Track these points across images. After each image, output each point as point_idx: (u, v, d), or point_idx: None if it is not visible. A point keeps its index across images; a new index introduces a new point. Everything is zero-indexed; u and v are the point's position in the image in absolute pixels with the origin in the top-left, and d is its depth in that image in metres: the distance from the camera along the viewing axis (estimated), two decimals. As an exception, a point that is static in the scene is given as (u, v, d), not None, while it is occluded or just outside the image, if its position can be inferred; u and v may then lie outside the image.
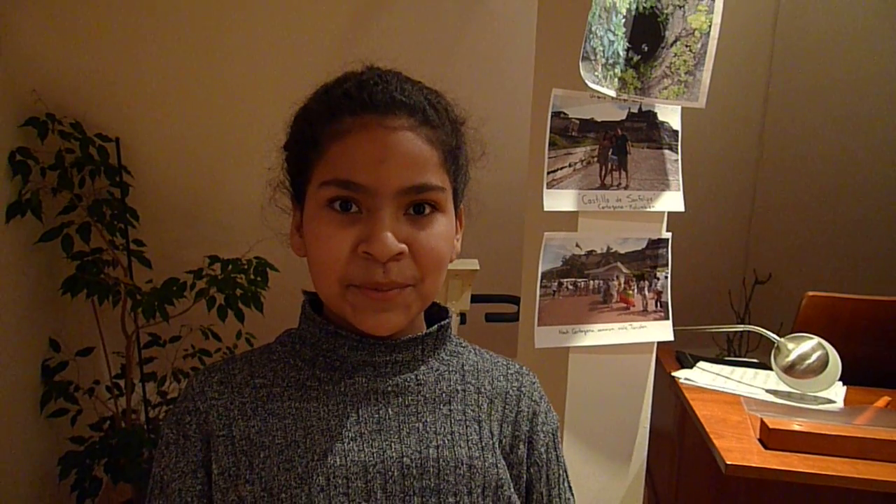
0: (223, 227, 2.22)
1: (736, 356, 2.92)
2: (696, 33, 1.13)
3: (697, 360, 1.53)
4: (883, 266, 2.66)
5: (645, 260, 1.19)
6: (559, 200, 1.10)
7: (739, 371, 1.43)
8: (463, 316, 2.34)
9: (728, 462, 0.95)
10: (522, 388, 0.66)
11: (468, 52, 2.18)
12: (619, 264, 1.17)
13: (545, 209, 1.08)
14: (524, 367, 0.69)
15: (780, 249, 3.17)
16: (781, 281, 3.15)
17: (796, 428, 1.01)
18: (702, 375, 1.39)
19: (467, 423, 0.61)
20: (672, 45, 1.13)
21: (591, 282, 1.15)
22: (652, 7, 1.12)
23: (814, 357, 1.23)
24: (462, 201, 0.66)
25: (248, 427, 0.58)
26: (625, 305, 1.18)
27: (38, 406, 1.95)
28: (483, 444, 0.61)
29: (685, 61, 1.14)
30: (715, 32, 1.13)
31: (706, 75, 1.15)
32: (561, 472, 0.67)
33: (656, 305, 1.20)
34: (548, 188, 1.09)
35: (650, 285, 1.20)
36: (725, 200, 3.11)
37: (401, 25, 2.05)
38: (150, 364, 2.18)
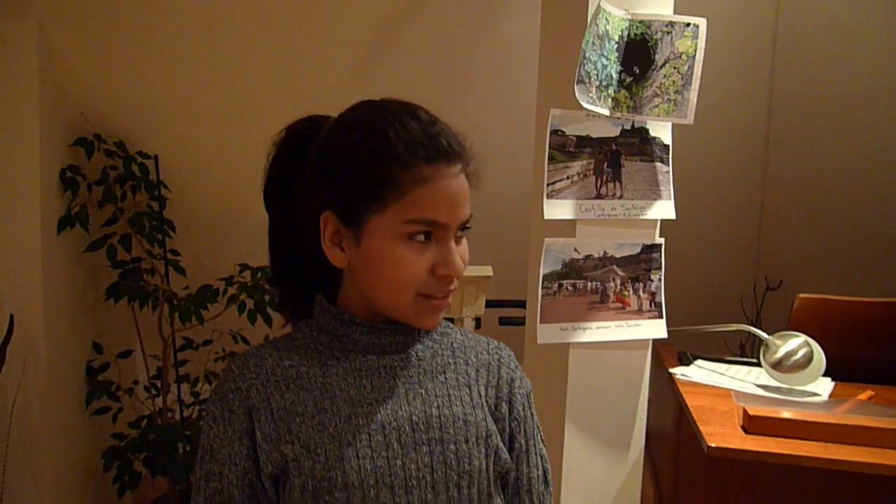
0: (252, 237, 2.35)
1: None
2: (683, 56, 1.24)
3: (696, 359, 1.62)
4: (890, 270, 2.72)
5: (639, 263, 1.30)
6: (558, 209, 1.21)
7: (734, 368, 1.52)
8: (478, 320, 2.46)
9: (710, 444, 1.05)
10: (501, 360, 0.80)
11: (479, 73, 2.30)
12: (615, 267, 1.28)
13: (545, 217, 1.19)
14: (501, 343, 0.83)
15: (790, 257, 3.24)
16: (792, 287, 3.21)
17: (774, 415, 1.10)
18: (698, 372, 1.48)
19: (460, 387, 0.75)
20: (661, 67, 1.25)
21: (590, 283, 1.26)
22: (642, 33, 1.24)
23: (800, 353, 1.32)
24: None
25: (283, 399, 0.70)
26: (621, 305, 1.28)
27: (83, 404, 2.10)
28: (474, 403, 0.74)
29: (674, 82, 1.25)
30: (700, 56, 1.24)
31: (693, 94, 1.26)
32: (535, 426, 0.80)
33: (650, 305, 1.31)
34: (548, 198, 1.21)
35: (645, 287, 1.30)
36: (734, 210, 3.18)
37: (417, 47, 2.19)
38: (184, 366, 2.32)
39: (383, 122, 0.71)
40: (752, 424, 1.10)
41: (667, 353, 1.67)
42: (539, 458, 0.79)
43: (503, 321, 2.47)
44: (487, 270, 2.30)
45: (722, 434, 1.09)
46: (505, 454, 0.74)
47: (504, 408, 0.77)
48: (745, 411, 1.12)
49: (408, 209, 0.68)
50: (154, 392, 2.25)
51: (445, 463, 0.69)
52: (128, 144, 2.13)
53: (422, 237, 0.69)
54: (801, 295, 1.56)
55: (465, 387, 0.75)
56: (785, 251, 3.29)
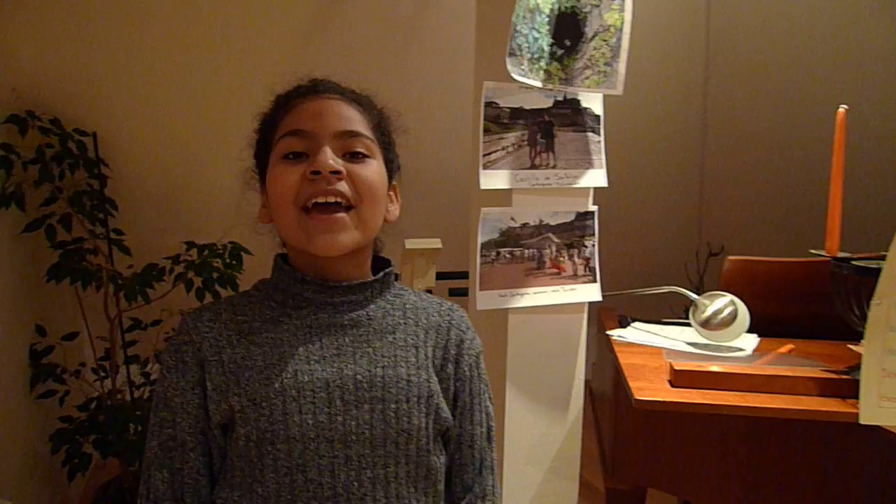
0: (199, 215, 2.35)
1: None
2: (612, 29, 1.28)
3: (634, 321, 1.69)
4: (823, 231, 2.87)
5: (574, 230, 1.35)
6: (494, 180, 1.25)
7: (668, 329, 1.60)
8: (429, 292, 2.50)
9: (637, 397, 1.12)
10: (452, 321, 0.83)
11: (423, 45, 2.31)
12: (550, 235, 1.32)
13: (481, 188, 1.23)
14: (455, 305, 0.86)
15: (731, 223, 3.37)
16: (734, 252, 3.35)
17: (698, 368, 1.17)
18: (634, 333, 1.56)
19: (407, 348, 0.78)
20: (591, 39, 1.28)
21: (526, 251, 1.31)
22: (572, 7, 1.27)
23: (726, 312, 1.40)
24: (395, 179, 0.82)
25: (234, 353, 0.74)
26: (557, 271, 1.34)
27: (27, 387, 2.07)
28: (419, 364, 0.78)
29: (603, 54, 1.29)
30: (627, 28, 1.28)
31: (622, 66, 1.30)
32: (482, 386, 0.84)
33: (585, 270, 1.36)
34: (484, 169, 1.24)
35: (579, 252, 1.36)
36: (676, 180, 3.29)
37: (360, 19, 2.18)
38: (132, 347, 2.30)
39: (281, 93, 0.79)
40: (678, 378, 1.17)
41: (609, 317, 1.74)
42: (484, 416, 0.83)
43: (453, 292, 2.52)
44: (436, 243, 2.34)
45: (650, 388, 1.16)
46: (446, 413, 0.79)
47: (450, 367, 0.81)
48: (671, 366, 1.19)
49: (279, 132, 0.75)
50: (102, 374, 2.22)
51: (385, 421, 0.73)
52: (64, 121, 2.07)
53: (292, 156, 0.74)
54: (730, 257, 1.64)
55: (412, 347, 0.79)
56: (726, 218, 3.42)
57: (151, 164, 2.32)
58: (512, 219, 1.28)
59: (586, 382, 1.66)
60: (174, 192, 2.37)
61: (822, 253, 1.20)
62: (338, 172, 0.72)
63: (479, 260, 1.27)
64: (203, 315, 0.76)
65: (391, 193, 0.83)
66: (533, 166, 1.28)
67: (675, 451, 1.42)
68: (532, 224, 1.31)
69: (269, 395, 0.71)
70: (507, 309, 1.31)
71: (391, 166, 0.82)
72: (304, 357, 0.73)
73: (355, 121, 0.76)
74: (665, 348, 1.42)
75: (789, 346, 1.41)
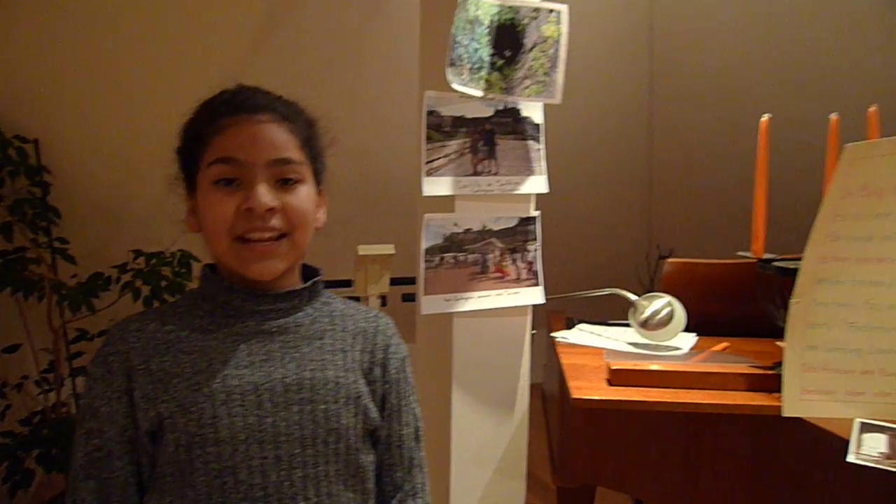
0: (146, 222, 2.31)
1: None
2: (549, 40, 1.33)
3: (580, 323, 1.74)
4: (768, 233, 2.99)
5: (517, 235, 1.38)
6: (437, 186, 1.27)
7: (612, 330, 1.65)
8: (383, 298, 2.51)
9: (574, 396, 1.16)
10: (378, 327, 0.86)
11: (372, 54, 2.33)
12: (493, 240, 1.36)
13: (424, 194, 1.25)
14: (380, 313, 0.89)
15: (679, 226, 3.48)
16: (682, 254, 3.46)
17: (633, 367, 1.22)
18: (577, 335, 1.60)
19: (335, 352, 0.81)
20: (530, 50, 1.32)
21: (470, 255, 1.33)
22: (511, 19, 1.30)
23: (663, 312, 1.45)
24: (322, 184, 0.84)
25: (162, 361, 0.75)
26: (500, 275, 1.37)
27: (-34, 403, 2.00)
28: (346, 367, 0.81)
29: (542, 64, 1.33)
30: (564, 40, 1.33)
31: (560, 76, 1.34)
32: (409, 388, 0.87)
33: (528, 274, 1.40)
34: (427, 176, 1.27)
35: (522, 257, 1.39)
36: (626, 185, 3.38)
37: (308, 28, 2.19)
38: (78, 359, 2.24)
39: (203, 101, 0.79)
40: (615, 377, 1.21)
41: (558, 319, 1.78)
42: (411, 417, 0.86)
43: (406, 297, 2.54)
44: (390, 249, 2.35)
45: (588, 387, 1.20)
46: (374, 414, 0.81)
47: (378, 371, 0.84)
48: (609, 366, 1.23)
49: (210, 154, 0.75)
50: (46, 387, 2.17)
51: (314, 421, 0.75)
52: (3, 128, 2.02)
53: (224, 182, 0.74)
54: (669, 260, 1.70)
55: (339, 352, 0.81)
56: (674, 221, 3.53)
57: (97, 170, 2.28)
58: (455, 224, 1.31)
59: (538, 384, 1.70)
60: (121, 199, 2.33)
61: (749, 255, 1.26)
62: (273, 209, 0.74)
63: (423, 265, 1.29)
64: (130, 325, 0.77)
65: (318, 199, 0.85)
66: (475, 173, 1.31)
67: (618, 449, 1.46)
68: (475, 229, 1.34)
69: (197, 401, 0.72)
70: (452, 313, 1.34)
71: (319, 177, 0.84)
72: (232, 363, 0.75)
73: (287, 146, 0.77)
74: (606, 348, 1.46)
75: (724, 345, 1.48)
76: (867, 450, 0.95)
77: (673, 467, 1.36)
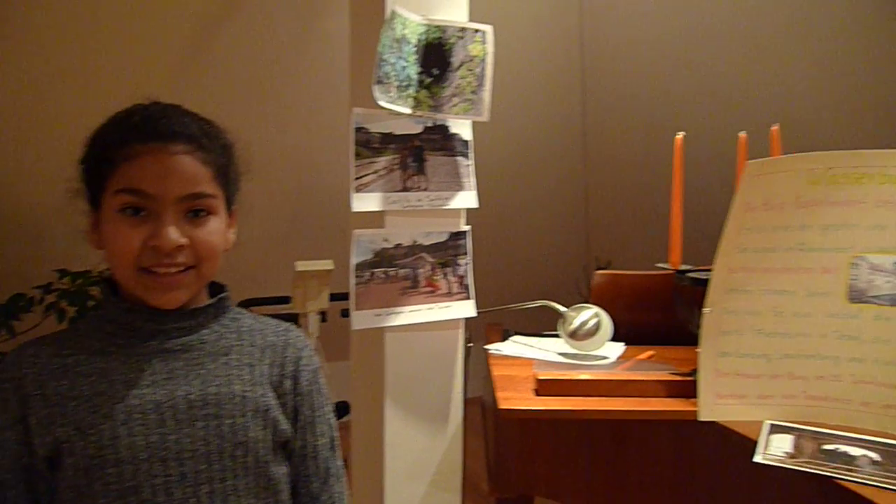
0: (71, 241, 2.23)
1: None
2: (476, 59, 1.36)
3: (514, 335, 1.77)
4: (695, 243, 3.11)
5: (447, 250, 1.40)
6: (366, 202, 1.29)
7: (544, 341, 1.68)
8: (323, 314, 2.49)
9: (501, 407, 1.18)
10: (289, 341, 0.87)
11: (306, 70, 2.33)
12: (424, 255, 1.37)
13: (353, 210, 1.26)
14: (291, 326, 0.90)
15: (616, 238, 3.58)
16: (620, 266, 3.57)
17: (560, 377, 1.25)
18: (510, 346, 1.63)
19: (242, 367, 0.81)
20: (457, 69, 1.36)
21: (401, 270, 1.35)
22: (438, 38, 1.33)
23: (591, 323, 1.50)
24: (234, 205, 0.84)
25: (59, 385, 0.73)
26: (431, 289, 1.38)
27: None
28: (254, 381, 0.81)
29: (469, 83, 1.37)
30: (490, 59, 1.36)
31: (487, 94, 1.38)
32: (323, 399, 0.88)
33: (460, 287, 1.42)
34: (356, 192, 1.27)
35: (453, 271, 1.41)
36: (563, 199, 3.47)
37: (240, 44, 2.17)
38: None
39: (114, 115, 0.78)
40: (542, 387, 1.24)
41: (494, 332, 1.81)
42: (326, 428, 0.87)
43: (346, 313, 2.52)
44: (328, 264, 2.34)
45: (516, 398, 1.22)
46: (284, 426, 0.82)
47: (288, 383, 0.84)
48: (536, 376, 1.26)
49: (118, 181, 0.73)
50: (-37, 414, 2.06)
51: (220, 436, 0.75)
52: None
53: (131, 211, 0.73)
54: (598, 272, 1.76)
55: (247, 366, 0.81)
56: (611, 233, 3.64)
57: (18, 188, 2.19)
58: (385, 240, 1.32)
59: (479, 397, 1.72)
60: (45, 217, 2.25)
61: (667, 266, 1.31)
62: (181, 246, 0.74)
63: (353, 280, 1.29)
64: (26, 350, 0.76)
65: (230, 220, 0.84)
66: (405, 189, 1.33)
67: (550, 458, 1.49)
68: (406, 244, 1.35)
69: (96, 422, 0.71)
70: (384, 328, 1.34)
71: (231, 201, 0.83)
72: (133, 383, 0.75)
73: (200, 180, 0.75)
74: (537, 359, 1.50)
75: (649, 353, 1.53)
76: (774, 450, 1.01)
77: (601, 474, 1.39)
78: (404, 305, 1.35)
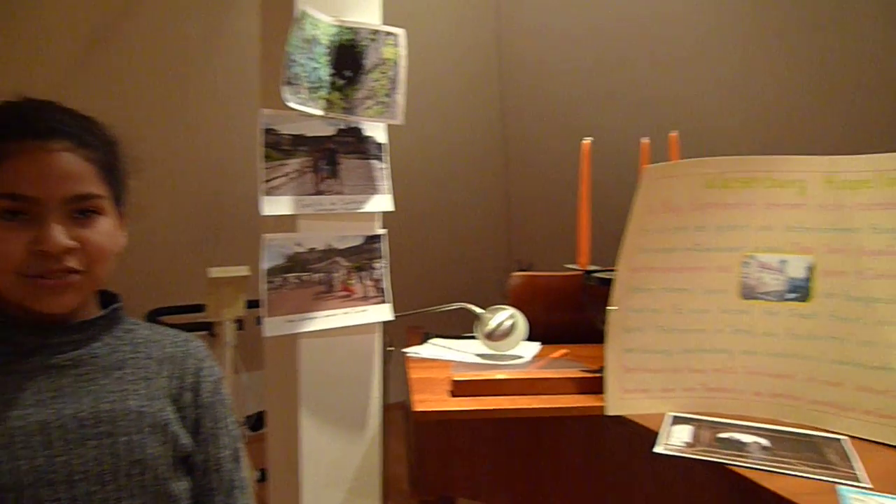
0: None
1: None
2: (389, 62, 1.36)
3: (433, 337, 1.78)
4: (606, 245, 3.23)
5: (363, 254, 1.39)
6: (277, 206, 1.26)
7: (463, 343, 1.70)
8: (240, 322, 2.41)
9: (416, 409, 1.19)
10: (189, 351, 0.84)
11: (218, 70, 2.26)
12: (339, 259, 1.36)
13: (263, 214, 1.23)
14: (191, 336, 0.87)
15: (537, 239, 3.66)
16: (542, 267, 3.65)
17: (474, 377, 1.27)
18: (429, 349, 1.63)
19: (137, 381, 0.77)
20: (371, 72, 1.35)
21: (315, 275, 1.33)
22: (350, 40, 1.32)
23: (507, 324, 1.53)
24: (123, 205, 0.80)
25: None
26: (347, 293, 1.37)
27: None
28: (151, 395, 0.77)
29: (383, 85, 1.36)
30: (403, 62, 1.36)
31: (401, 97, 1.38)
32: (225, 410, 0.85)
33: (376, 291, 1.41)
34: (266, 195, 1.25)
35: (369, 275, 1.40)
36: (484, 202, 3.52)
37: (144, 45, 2.08)
38: None
39: None
40: (458, 388, 1.25)
41: (415, 335, 1.81)
42: (229, 439, 0.84)
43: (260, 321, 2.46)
44: (244, 270, 2.28)
45: (432, 400, 1.23)
46: (185, 440, 0.79)
47: (188, 396, 0.81)
48: (452, 378, 1.27)
49: None
50: None
51: (115, 454, 0.71)
52: None
53: (10, 215, 0.68)
54: (513, 273, 1.79)
55: (142, 380, 0.78)
56: (532, 236, 3.71)
57: None
58: (298, 244, 1.30)
59: (402, 401, 1.71)
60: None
61: (576, 267, 1.35)
62: (69, 249, 0.69)
63: (265, 286, 1.26)
64: None
65: (119, 222, 0.80)
66: (318, 192, 1.31)
67: (468, 458, 1.50)
68: (320, 249, 1.33)
69: None
70: (298, 334, 1.32)
71: (121, 201, 0.79)
72: (15, 403, 0.70)
73: (85, 179, 0.71)
74: (455, 361, 1.51)
75: (563, 351, 1.57)
76: (674, 440, 1.06)
77: (518, 472, 1.42)
78: (319, 311, 1.33)
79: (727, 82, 2.23)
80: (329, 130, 1.33)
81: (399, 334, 1.78)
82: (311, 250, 1.32)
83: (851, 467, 0.95)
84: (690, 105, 2.34)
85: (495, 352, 1.55)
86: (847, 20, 1.86)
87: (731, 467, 0.96)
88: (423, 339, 1.83)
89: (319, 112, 1.29)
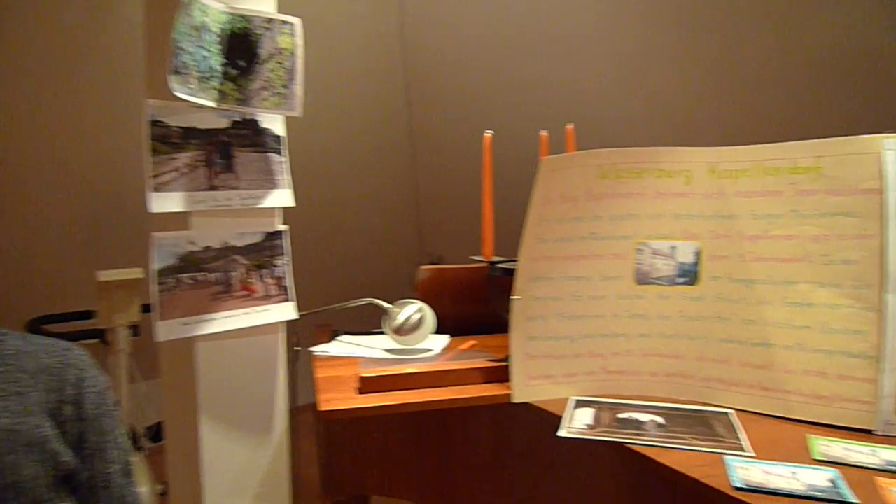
0: None
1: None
2: (286, 52, 1.31)
3: (342, 334, 1.75)
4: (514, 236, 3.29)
5: (263, 251, 1.34)
6: (167, 202, 1.19)
7: (371, 338, 1.68)
8: (135, 327, 2.28)
9: (321, 409, 1.16)
10: (68, 361, 0.78)
11: (103, 57, 2.12)
12: (237, 257, 1.30)
13: (152, 211, 1.16)
14: (70, 345, 0.80)
15: (447, 234, 3.68)
16: (452, 261, 3.68)
17: (381, 373, 1.25)
18: (337, 346, 1.60)
19: (9, 397, 0.71)
20: (266, 62, 1.30)
21: (211, 274, 1.27)
22: (244, 28, 1.27)
23: (415, 318, 1.52)
24: None
25: None
26: (247, 293, 1.32)
27: None
28: (25, 411, 0.71)
29: (279, 76, 1.32)
30: (300, 52, 1.32)
31: (299, 88, 1.34)
32: (113, 423, 0.80)
33: (278, 290, 1.37)
34: (154, 191, 1.17)
35: (271, 273, 1.36)
36: (393, 197, 3.50)
37: (22, 35, 1.91)
38: None
39: None
40: (365, 385, 1.23)
41: (323, 333, 1.76)
42: (117, 453, 0.79)
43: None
44: (137, 272, 2.15)
45: (339, 399, 1.20)
46: (66, 457, 0.73)
47: (69, 409, 0.75)
48: (359, 375, 1.25)
49: None
50: None
51: None
52: None
53: None
54: (421, 267, 1.79)
55: (14, 395, 0.71)
56: (442, 229, 3.73)
57: None
58: (191, 242, 1.23)
59: (314, 402, 1.66)
60: None
61: (481, 258, 1.37)
62: None
63: (156, 288, 1.19)
64: None
65: None
66: (212, 187, 1.25)
67: (379, 456, 1.49)
68: (216, 247, 1.27)
69: None
70: (195, 337, 1.26)
71: None
72: None
73: None
74: (363, 357, 1.49)
75: (471, 343, 1.58)
76: (576, 423, 1.09)
77: (430, 465, 1.42)
78: (216, 312, 1.27)
79: (623, 75, 2.32)
80: (223, 123, 1.27)
81: (307, 333, 1.74)
82: (207, 249, 1.26)
83: (737, 438, 1.01)
84: (589, 97, 2.42)
85: (404, 346, 1.54)
86: (736, 17, 1.98)
87: (629, 446, 1.00)
88: (332, 337, 1.80)
89: (211, 103, 1.23)
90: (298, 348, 1.64)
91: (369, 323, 1.96)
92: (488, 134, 1.33)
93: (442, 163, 3.40)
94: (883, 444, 0.98)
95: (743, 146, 1.15)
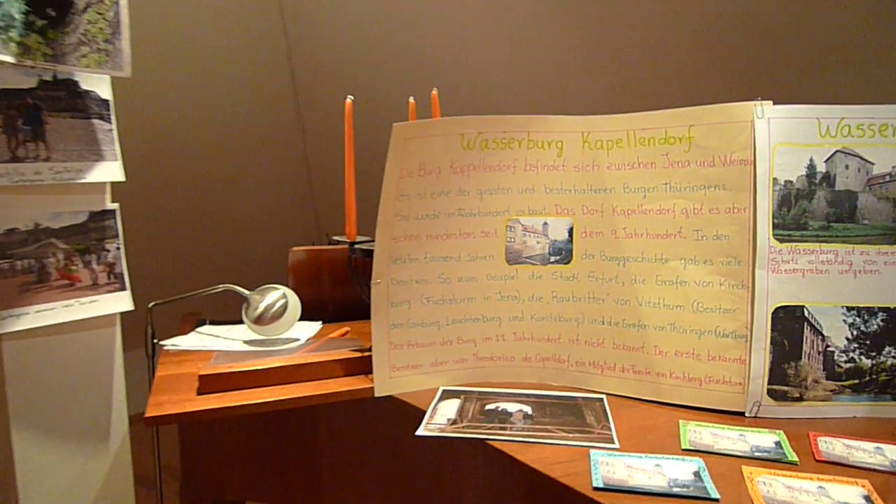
0: None
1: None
2: (107, 2, 1.13)
3: (205, 324, 1.58)
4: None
5: (89, 233, 1.16)
6: (-49, 176, 0.99)
7: (235, 328, 1.52)
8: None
9: (148, 415, 1.00)
10: None
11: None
12: (54, 240, 1.12)
13: (-72, 187, 0.96)
14: None
15: (343, 213, 3.51)
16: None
17: (223, 370, 1.10)
18: (192, 339, 1.44)
19: None
20: (84, 11, 1.11)
21: (19, 262, 1.08)
22: (50, -31, 1.07)
23: (277, 305, 1.38)
24: None
25: None
26: (69, 282, 1.14)
27: None
28: None
29: (101, 29, 1.13)
30: (124, 2, 1.14)
31: (125, 44, 1.15)
32: None
33: (109, 278, 1.19)
34: (-68, 163, 0.97)
35: (99, 258, 1.18)
36: (285, 175, 3.30)
37: None
38: None
39: None
40: (203, 385, 1.08)
41: (188, 323, 1.59)
42: None
43: None
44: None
45: (172, 401, 1.05)
46: None
47: None
48: (199, 373, 1.10)
49: None
50: None
51: None
52: None
53: None
54: (293, 248, 1.64)
55: None
56: (340, 207, 3.56)
57: None
58: (-11, 224, 1.04)
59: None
60: None
61: (344, 238, 1.24)
62: None
63: (-59, 279, 1.00)
64: None
65: None
66: (15, 158, 1.06)
67: (240, 458, 1.35)
68: (24, 229, 1.08)
69: None
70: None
71: None
72: None
73: None
74: (218, 351, 1.33)
75: (344, 330, 1.46)
76: (438, 419, 0.99)
77: (295, 466, 1.30)
78: (27, 305, 1.08)
79: (502, 43, 2.23)
80: (28, 82, 1.07)
81: (175, 323, 1.57)
82: (11, 231, 1.06)
83: (607, 428, 0.94)
84: (473, 65, 2.32)
85: (267, 336, 1.39)
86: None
87: (490, 442, 0.91)
88: (197, 326, 1.63)
89: (10, 59, 1.03)
90: (157, 341, 1.46)
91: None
92: (349, 100, 1.19)
93: (331, 136, 3.21)
94: (753, 427, 0.94)
95: (616, 115, 1.08)
